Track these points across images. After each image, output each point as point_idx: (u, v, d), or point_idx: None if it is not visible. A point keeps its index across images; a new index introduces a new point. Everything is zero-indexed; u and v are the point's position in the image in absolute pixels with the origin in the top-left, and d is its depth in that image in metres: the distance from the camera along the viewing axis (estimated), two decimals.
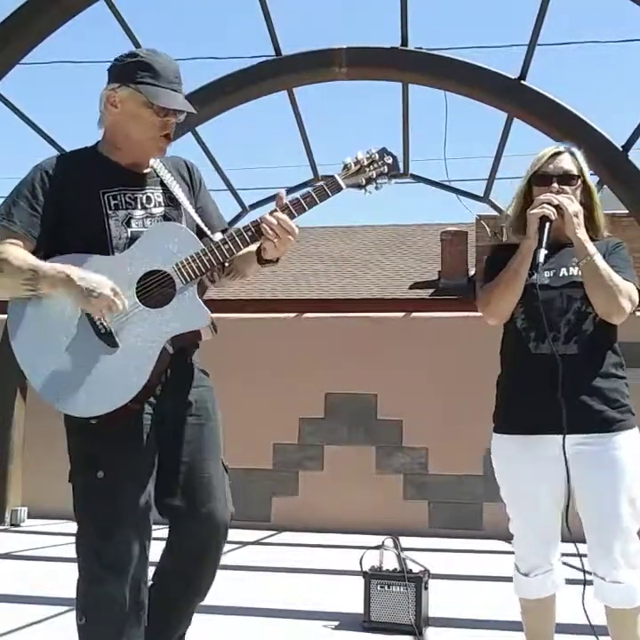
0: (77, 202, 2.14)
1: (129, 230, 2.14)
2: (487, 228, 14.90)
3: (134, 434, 2.12)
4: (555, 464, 2.31)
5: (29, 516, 6.73)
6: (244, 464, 6.74)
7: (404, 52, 6.23)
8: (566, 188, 2.43)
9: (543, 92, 6.08)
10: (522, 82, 6.10)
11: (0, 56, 5.64)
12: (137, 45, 6.07)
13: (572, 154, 2.51)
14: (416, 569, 3.67)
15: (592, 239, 2.42)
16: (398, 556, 3.70)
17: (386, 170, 2.19)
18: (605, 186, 6.53)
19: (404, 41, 6.20)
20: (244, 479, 6.70)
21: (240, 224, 7.88)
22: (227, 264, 2.24)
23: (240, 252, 2.16)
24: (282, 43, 6.32)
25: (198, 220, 2.25)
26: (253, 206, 7.85)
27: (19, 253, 2.07)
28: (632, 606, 2.31)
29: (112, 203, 2.16)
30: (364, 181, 2.18)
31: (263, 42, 6.28)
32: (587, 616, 2.31)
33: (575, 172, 2.47)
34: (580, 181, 2.48)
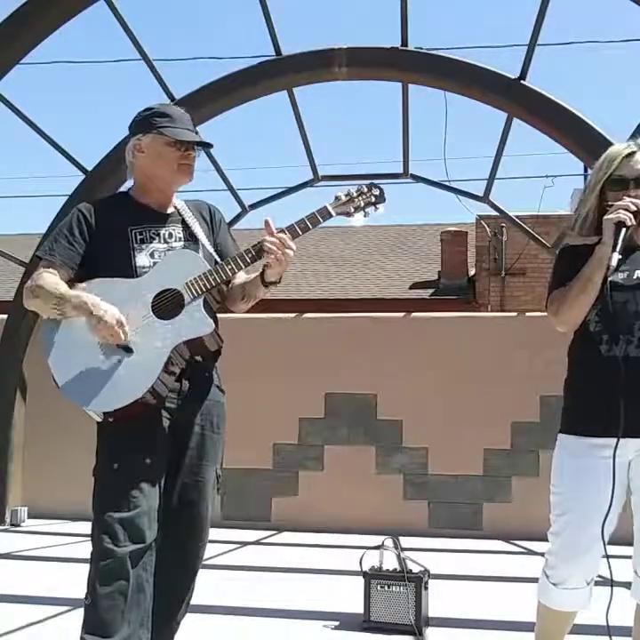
0: (108, 237, 2.51)
1: (152, 261, 2.51)
2: (487, 228, 14.89)
3: (148, 432, 2.42)
4: (618, 471, 2.24)
5: (29, 516, 6.72)
6: (244, 464, 6.73)
7: (404, 51, 6.22)
8: None
9: (543, 92, 6.07)
10: (522, 82, 6.10)
11: (0, 56, 5.64)
12: (137, 45, 6.08)
13: None
14: (416, 569, 3.67)
15: None
16: (398, 556, 3.70)
17: (373, 200, 2.51)
18: None
19: (404, 41, 6.20)
20: (243, 479, 6.69)
21: (240, 224, 7.93)
22: (239, 291, 2.62)
23: (243, 277, 2.58)
24: (282, 43, 6.32)
25: (214, 254, 2.59)
26: (253, 206, 7.84)
27: (52, 281, 2.46)
28: None
29: (138, 237, 2.53)
30: (352, 210, 2.49)
31: (263, 42, 6.32)
32: (607, 619, 2.22)
33: None
34: None
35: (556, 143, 6.23)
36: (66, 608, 3.76)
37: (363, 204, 2.49)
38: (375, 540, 3.87)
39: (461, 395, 6.44)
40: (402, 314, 7.24)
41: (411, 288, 16.22)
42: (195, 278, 2.43)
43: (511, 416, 6.35)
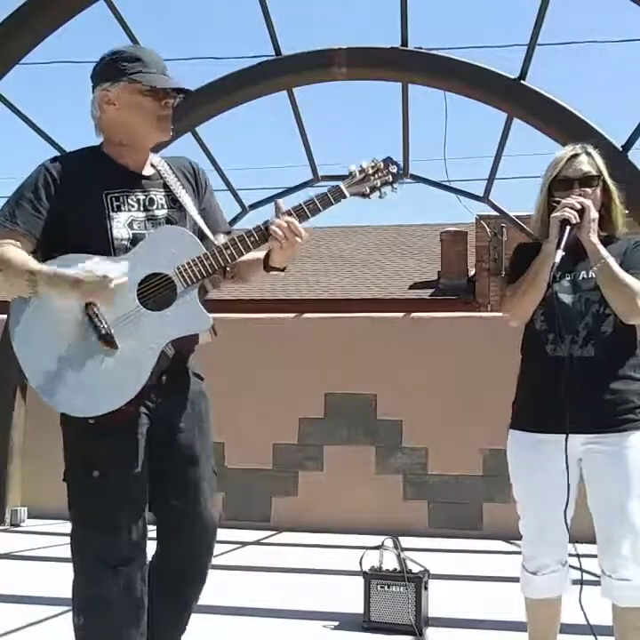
0: (80, 203, 2.16)
1: (131, 232, 2.16)
2: (487, 228, 14.89)
3: (130, 435, 2.15)
4: (564, 465, 2.33)
5: (29, 516, 6.72)
6: (244, 464, 6.73)
7: (404, 51, 6.22)
8: (588, 189, 2.44)
9: (543, 92, 6.07)
10: (522, 82, 6.09)
11: (0, 56, 5.63)
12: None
13: (589, 154, 2.51)
14: (416, 569, 3.67)
15: (610, 238, 2.44)
16: (398, 556, 3.70)
17: (390, 179, 2.21)
18: None
19: (404, 41, 6.20)
20: (243, 479, 6.69)
21: (239, 224, 7.93)
22: (228, 268, 2.25)
23: (243, 258, 2.18)
24: (282, 43, 6.32)
25: (201, 223, 2.27)
26: (253, 206, 7.84)
27: (18, 253, 2.09)
28: (638, 604, 2.31)
29: (114, 204, 2.17)
30: (368, 190, 2.20)
31: (263, 42, 6.30)
32: (585, 615, 2.31)
33: (594, 172, 2.48)
34: (600, 181, 2.49)
35: (556, 143, 6.23)
36: (66, 608, 3.74)
37: (379, 184, 2.20)
38: (375, 540, 3.87)
39: (461, 395, 6.43)
40: (402, 314, 7.23)
41: (411, 288, 16.23)
42: (188, 262, 2.11)
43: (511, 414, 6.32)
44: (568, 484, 2.32)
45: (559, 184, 2.48)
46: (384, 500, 6.54)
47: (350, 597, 3.91)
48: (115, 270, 2.04)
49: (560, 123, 6.05)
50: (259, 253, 2.22)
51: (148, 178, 2.27)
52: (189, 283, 2.11)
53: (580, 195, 2.43)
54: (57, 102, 39.02)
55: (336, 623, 3.76)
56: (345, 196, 2.17)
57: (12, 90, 6.19)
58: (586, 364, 2.37)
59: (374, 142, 36.16)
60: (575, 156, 2.51)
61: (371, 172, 2.19)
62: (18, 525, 6.63)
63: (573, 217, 2.36)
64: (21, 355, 2.14)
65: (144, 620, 2.16)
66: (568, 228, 2.36)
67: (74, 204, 2.16)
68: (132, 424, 2.16)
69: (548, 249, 2.39)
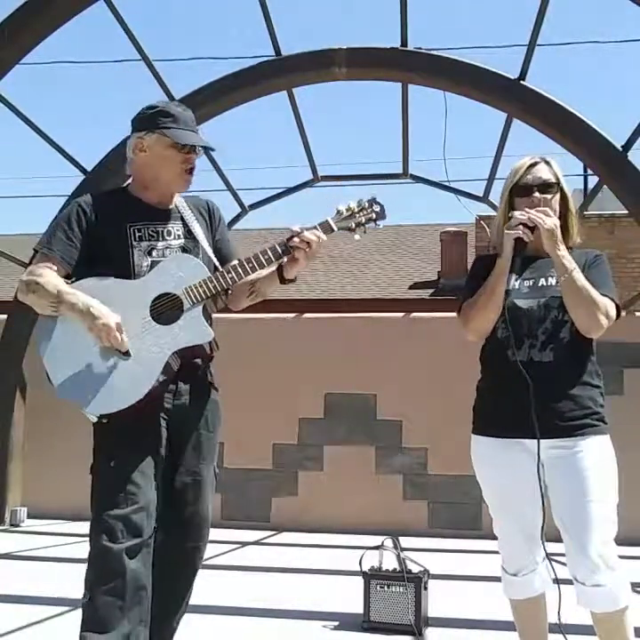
0: (107, 234, 2.50)
1: (150, 259, 2.50)
2: (487, 229, 14.88)
3: (144, 432, 2.43)
4: (531, 466, 2.38)
5: (29, 516, 6.72)
6: (244, 464, 6.74)
7: (403, 52, 6.22)
8: (546, 196, 2.51)
9: (543, 92, 6.07)
10: (522, 82, 6.10)
11: (0, 56, 5.64)
12: (137, 45, 6.08)
13: (548, 163, 2.58)
14: (415, 569, 3.67)
15: (566, 248, 2.47)
16: (398, 556, 3.70)
17: (374, 216, 2.51)
18: (605, 186, 6.53)
19: (404, 41, 6.20)
20: (243, 479, 6.70)
21: (239, 224, 7.94)
22: (246, 288, 2.58)
23: (248, 278, 2.50)
24: (282, 43, 6.32)
25: (210, 252, 2.59)
26: (253, 206, 7.84)
27: (51, 277, 2.43)
28: (616, 609, 2.31)
29: (137, 234, 2.51)
30: (353, 225, 2.49)
31: (263, 42, 6.29)
32: (559, 617, 2.32)
33: (553, 180, 2.54)
34: (557, 189, 2.55)
35: (556, 143, 6.23)
36: (66, 608, 3.76)
37: (364, 220, 2.49)
38: (375, 540, 3.87)
39: (461, 395, 6.40)
40: (402, 314, 7.24)
41: (411, 288, 16.21)
42: (194, 285, 2.43)
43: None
44: (540, 487, 2.36)
45: (519, 190, 2.53)
46: (384, 500, 6.55)
47: (350, 597, 3.91)
48: (114, 317, 2.35)
49: (560, 123, 6.05)
50: (265, 271, 2.52)
51: (167, 212, 2.59)
52: (195, 301, 2.43)
53: (540, 201, 2.48)
54: (57, 102, 39.04)
55: (336, 623, 3.76)
56: (334, 230, 2.48)
57: (12, 90, 6.20)
58: (545, 368, 2.41)
59: (374, 142, 36.16)
60: (534, 164, 2.55)
61: (356, 210, 2.49)
62: (18, 525, 6.63)
63: (526, 236, 2.42)
64: (49, 364, 2.45)
65: (146, 604, 2.34)
66: (521, 249, 2.42)
67: (102, 234, 2.49)
68: (147, 422, 2.43)
69: (502, 265, 2.44)
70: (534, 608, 2.56)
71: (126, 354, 2.38)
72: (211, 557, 5.30)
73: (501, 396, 2.49)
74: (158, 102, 2.58)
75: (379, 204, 2.52)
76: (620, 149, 5.96)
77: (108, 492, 2.37)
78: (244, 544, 5.99)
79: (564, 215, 2.55)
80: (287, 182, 7.62)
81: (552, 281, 2.48)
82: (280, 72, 6.44)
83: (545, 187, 2.52)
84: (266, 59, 6.45)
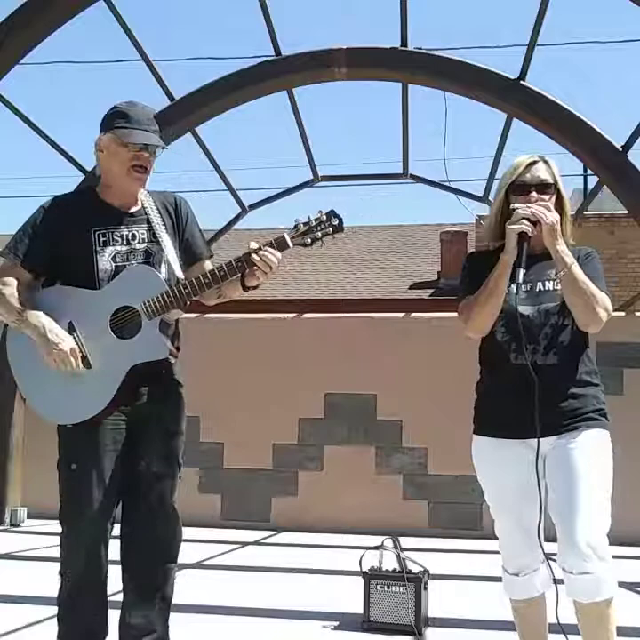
0: (72, 239, 2.56)
1: (114, 265, 2.57)
2: None
3: (103, 436, 2.57)
4: (532, 466, 2.39)
5: (29, 516, 6.72)
6: (244, 464, 6.74)
7: (403, 52, 6.22)
8: (544, 196, 2.49)
9: (543, 92, 6.07)
10: (522, 82, 6.10)
11: (0, 56, 5.63)
12: (137, 45, 6.08)
13: (546, 162, 2.56)
14: (415, 569, 3.67)
15: None
16: (398, 556, 3.70)
17: (331, 231, 2.52)
18: (605, 186, 6.53)
19: (404, 41, 6.20)
20: (243, 479, 6.70)
21: (239, 225, 7.94)
22: (215, 290, 2.63)
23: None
24: (282, 43, 6.32)
25: (172, 258, 2.64)
26: (253, 206, 7.83)
27: (14, 290, 2.54)
28: (600, 598, 2.28)
29: (101, 240, 2.57)
30: (309, 241, 2.51)
31: (263, 42, 6.30)
32: (557, 616, 2.32)
33: (551, 180, 2.52)
34: (555, 190, 2.53)
35: (556, 143, 6.23)
36: None
37: (320, 235, 2.51)
38: (375, 540, 3.87)
39: (461, 395, 6.40)
40: (402, 314, 7.23)
41: (410, 288, 16.22)
42: (152, 299, 2.50)
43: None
44: (538, 487, 2.38)
45: (516, 188, 2.51)
46: (384, 500, 6.54)
47: (350, 597, 3.91)
48: (71, 343, 2.49)
49: (560, 123, 6.05)
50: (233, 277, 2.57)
51: (132, 215, 2.65)
52: (152, 315, 2.51)
53: (536, 201, 2.46)
54: (57, 102, 39.04)
55: (336, 623, 3.76)
56: (289, 247, 2.50)
57: (12, 90, 6.19)
58: (550, 370, 2.42)
59: (374, 142, 36.17)
60: (533, 163, 2.53)
61: (314, 224, 2.51)
62: (18, 525, 6.64)
63: (530, 230, 2.40)
64: (17, 372, 2.62)
65: (105, 583, 2.63)
66: (525, 243, 2.41)
67: (67, 239, 2.56)
68: (106, 427, 2.56)
69: (505, 262, 2.41)
70: (534, 609, 2.56)
71: (88, 366, 2.52)
72: (211, 557, 5.30)
73: (502, 397, 2.49)
74: (120, 103, 2.64)
75: (337, 216, 2.52)
76: (620, 149, 5.96)
77: (69, 493, 2.60)
78: (244, 544, 5.98)
79: (559, 216, 2.52)
80: (287, 182, 7.60)
81: (549, 285, 2.49)
82: (280, 72, 6.44)
83: (543, 187, 2.50)
84: (266, 59, 6.45)
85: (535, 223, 2.41)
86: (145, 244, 2.61)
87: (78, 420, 2.54)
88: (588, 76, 39.26)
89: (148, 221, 2.64)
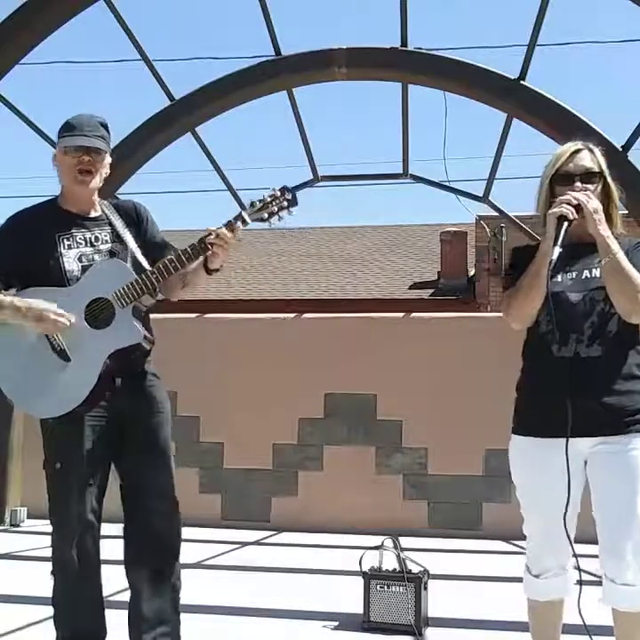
0: (37, 245, 2.68)
1: (80, 265, 2.68)
2: (487, 229, 14.88)
3: (86, 432, 2.63)
4: (572, 468, 2.29)
5: (29, 516, 6.72)
6: (244, 464, 6.73)
7: (403, 52, 6.22)
8: (589, 186, 2.39)
9: (543, 92, 6.08)
10: (522, 82, 6.10)
11: (0, 56, 5.63)
12: (137, 45, 6.09)
13: (591, 150, 2.47)
14: (415, 569, 3.67)
15: None
16: (398, 556, 3.70)
17: (285, 204, 2.62)
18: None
19: (404, 41, 6.20)
20: (243, 479, 6.69)
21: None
22: (178, 280, 2.72)
23: (179, 272, 2.65)
24: (282, 43, 6.32)
25: (138, 254, 2.75)
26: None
27: None
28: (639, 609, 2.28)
29: (65, 243, 2.70)
30: (266, 215, 2.62)
31: (263, 42, 6.29)
32: (581, 617, 2.30)
33: (596, 169, 2.44)
34: (601, 178, 2.44)
35: (556, 143, 6.23)
36: None
37: (276, 209, 2.61)
38: (375, 540, 3.87)
39: (461, 395, 6.43)
40: (402, 314, 7.23)
41: (410, 288, 16.22)
42: (123, 288, 2.59)
43: (511, 416, 6.31)
44: (568, 487, 2.28)
45: (560, 179, 2.42)
46: (384, 500, 6.54)
47: (350, 597, 3.91)
48: (70, 307, 2.57)
49: (560, 123, 6.05)
50: (193, 264, 2.66)
51: (93, 219, 2.78)
52: (124, 304, 2.60)
53: (581, 190, 2.37)
54: (57, 102, 39.00)
55: (336, 623, 3.76)
56: (247, 223, 2.61)
57: (12, 90, 6.19)
58: (593, 363, 2.32)
59: (374, 142, 36.15)
60: (577, 151, 2.46)
61: (269, 199, 2.61)
62: (17, 525, 6.63)
63: (570, 213, 2.32)
64: None
65: (98, 579, 2.69)
66: (565, 223, 2.32)
67: (33, 246, 2.67)
68: (88, 422, 2.64)
69: (546, 246, 2.33)
70: (551, 611, 2.51)
71: (66, 359, 2.59)
72: (211, 557, 5.30)
73: (545, 393, 2.40)
74: (71, 117, 2.74)
75: (290, 191, 2.63)
76: (620, 149, 5.96)
77: (56, 491, 2.67)
78: (244, 544, 5.98)
79: (606, 205, 2.44)
80: (287, 182, 7.57)
81: (596, 272, 2.38)
82: (280, 72, 6.45)
83: (588, 176, 2.41)
84: (266, 59, 6.45)
85: (576, 208, 2.32)
86: (109, 245, 2.73)
87: (64, 411, 2.59)
88: (588, 76, 39.25)
89: (111, 224, 2.77)
